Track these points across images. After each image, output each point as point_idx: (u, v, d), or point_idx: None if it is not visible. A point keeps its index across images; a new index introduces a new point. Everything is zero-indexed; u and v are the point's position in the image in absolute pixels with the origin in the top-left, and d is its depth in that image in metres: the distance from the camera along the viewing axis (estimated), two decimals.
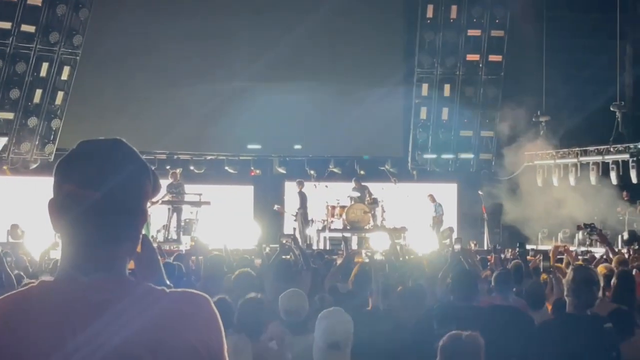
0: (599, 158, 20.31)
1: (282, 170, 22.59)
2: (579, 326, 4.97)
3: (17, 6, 18.94)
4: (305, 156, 22.41)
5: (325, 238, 19.83)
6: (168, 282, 2.12)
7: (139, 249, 2.00)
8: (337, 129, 21.28)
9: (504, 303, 6.65)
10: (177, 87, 20.91)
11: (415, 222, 20.69)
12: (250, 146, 22.25)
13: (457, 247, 10.02)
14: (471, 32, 22.24)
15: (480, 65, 22.35)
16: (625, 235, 18.86)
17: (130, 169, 1.89)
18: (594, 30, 22.63)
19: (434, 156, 22.63)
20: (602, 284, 5.79)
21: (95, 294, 1.83)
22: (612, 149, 20.11)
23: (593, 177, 20.20)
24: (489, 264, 10.40)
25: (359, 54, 22.27)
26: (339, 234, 18.47)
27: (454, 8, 22.15)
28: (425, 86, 22.52)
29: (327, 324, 4.75)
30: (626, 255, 11.41)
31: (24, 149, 19.86)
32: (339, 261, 9.73)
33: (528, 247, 14.98)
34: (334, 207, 19.94)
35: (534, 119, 22.04)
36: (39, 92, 19.70)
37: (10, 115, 19.59)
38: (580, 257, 11.35)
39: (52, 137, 20.20)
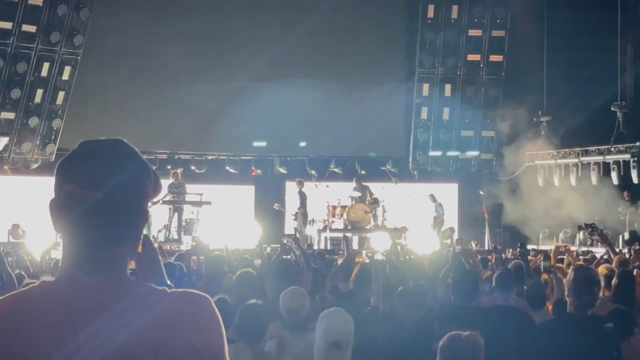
0: (599, 158, 20.31)
1: (283, 170, 22.59)
2: (579, 326, 4.97)
3: (18, 6, 18.94)
4: (306, 156, 22.41)
5: (326, 238, 19.83)
6: (169, 282, 2.12)
7: (140, 249, 2.00)
8: (338, 128, 21.27)
9: (504, 303, 6.65)
10: (178, 87, 20.91)
11: (416, 222, 20.69)
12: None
13: (458, 248, 10.03)
14: (472, 32, 22.24)
15: (481, 65, 22.35)
16: (626, 236, 18.87)
17: (132, 169, 1.90)
18: (595, 29, 22.62)
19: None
20: (602, 284, 5.79)
21: (96, 294, 1.83)
22: (613, 149, 20.10)
23: (594, 177, 20.19)
24: (489, 264, 10.40)
25: (360, 53, 22.26)
26: (339, 234, 18.49)
27: (454, 8, 22.15)
28: (426, 86, 22.52)
29: (328, 324, 4.75)
30: (627, 256, 11.41)
31: (25, 149, 19.86)
32: (339, 261, 9.72)
33: (529, 247, 14.97)
34: (334, 207, 19.94)
35: (534, 119, 22.04)
36: (40, 92, 19.71)
37: (11, 115, 19.59)
38: (581, 257, 11.34)
39: (53, 137, 20.20)
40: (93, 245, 1.86)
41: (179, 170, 19.92)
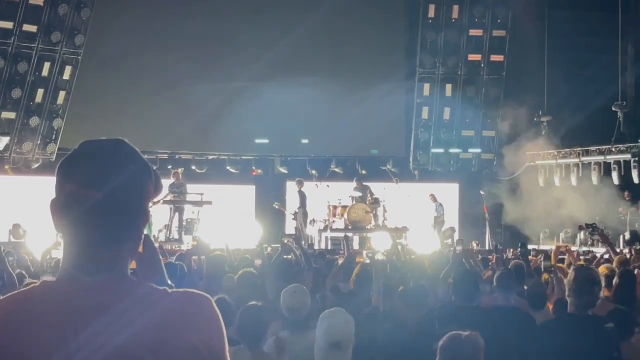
0: (600, 158, 20.30)
1: (283, 170, 22.58)
2: (580, 326, 4.97)
3: (19, 6, 18.95)
4: (307, 156, 22.42)
5: (327, 238, 19.84)
6: (170, 282, 2.12)
7: (140, 249, 2.00)
8: (339, 129, 21.27)
9: (505, 303, 6.65)
10: (179, 87, 20.91)
11: (417, 222, 20.69)
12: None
13: (459, 248, 10.03)
14: (473, 32, 22.23)
15: (482, 65, 22.35)
16: (627, 236, 18.86)
17: (133, 169, 1.90)
18: (596, 29, 22.61)
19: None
20: (603, 284, 5.79)
21: (97, 295, 1.84)
22: (614, 149, 20.10)
23: (595, 177, 20.19)
24: (490, 264, 10.39)
25: (361, 53, 22.25)
26: (340, 234, 18.48)
27: (455, 8, 22.15)
28: (427, 86, 22.52)
29: (329, 324, 4.75)
30: (628, 256, 11.40)
31: (26, 149, 19.87)
32: (340, 261, 9.73)
33: (530, 247, 14.96)
34: (335, 207, 19.94)
35: (535, 119, 22.04)
36: (41, 91, 19.72)
37: (12, 115, 19.60)
38: (582, 258, 11.34)
39: (54, 137, 20.22)
40: (94, 245, 1.86)
41: (180, 170, 19.93)
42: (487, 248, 19.76)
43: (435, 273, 8.01)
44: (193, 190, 19.42)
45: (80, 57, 19.97)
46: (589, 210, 19.06)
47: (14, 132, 19.61)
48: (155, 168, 1.98)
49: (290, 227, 20.65)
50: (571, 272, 5.29)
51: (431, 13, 22.21)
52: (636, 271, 7.89)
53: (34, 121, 19.75)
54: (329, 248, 18.64)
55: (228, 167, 22.03)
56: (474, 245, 19.11)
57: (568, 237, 20.11)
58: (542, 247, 17.49)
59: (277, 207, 20.60)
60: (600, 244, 15.76)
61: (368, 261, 9.70)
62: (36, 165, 20.13)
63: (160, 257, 2.24)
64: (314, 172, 21.44)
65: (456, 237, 19.75)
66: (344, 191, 20.39)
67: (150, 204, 1.97)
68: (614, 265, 8.28)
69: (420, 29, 22.30)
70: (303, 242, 16.26)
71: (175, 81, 20.90)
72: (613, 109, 20.61)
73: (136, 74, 20.90)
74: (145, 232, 1.99)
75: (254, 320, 5.05)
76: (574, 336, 4.92)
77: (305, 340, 5.22)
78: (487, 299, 6.84)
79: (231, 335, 4.27)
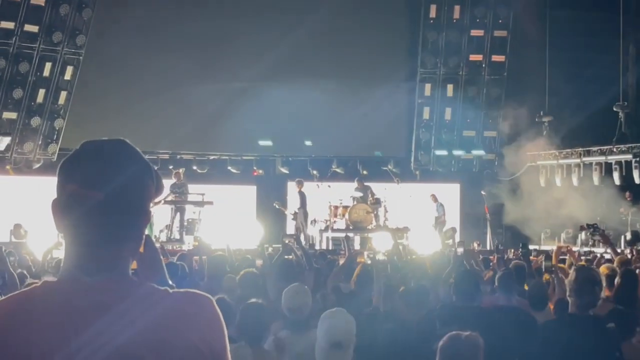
0: (601, 158, 20.29)
1: (284, 170, 22.57)
2: (581, 326, 4.97)
3: (21, 6, 18.96)
4: (308, 156, 22.42)
5: (327, 238, 19.85)
6: (170, 282, 2.12)
7: (141, 249, 2.00)
8: (340, 129, 21.27)
9: (507, 303, 6.64)
10: (180, 87, 20.91)
11: (418, 222, 20.68)
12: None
13: (460, 250, 10.03)
14: (474, 32, 22.24)
15: (483, 65, 22.35)
16: (628, 236, 18.86)
17: (134, 169, 1.90)
18: (597, 29, 22.59)
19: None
20: (604, 283, 5.79)
21: (98, 295, 1.84)
22: (615, 149, 20.09)
23: (596, 178, 20.18)
24: (491, 264, 10.40)
25: (362, 54, 22.23)
26: (341, 234, 18.48)
27: (457, 8, 22.15)
28: (428, 86, 22.52)
29: (330, 324, 4.75)
30: (629, 256, 11.40)
31: (27, 149, 19.88)
32: (341, 261, 9.73)
33: (530, 247, 14.94)
34: (336, 207, 19.95)
35: (536, 119, 22.03)
36: (42, 91, 19.72)
37: (13, 115, 19.61)
38: (582, 258, 11.34)
39: (55, 137, 20.22)
40: (95, 245, 1.87)
41: (181, 170, 19.93)
42: (488, 248, 19.76)
43: (436, 273, 8.01)
44: (194, 190, 19.42)
45: (81, 57, 19.98)
46: (589, 211, 19.05)
47: (15, 132, 19.62)
48: (156, 168, 1.99)
49: (291, 227, 20.65)
50: (572, 272, 5.29)
51: (432, 13, 22.22)
52: (637, 271, 7.89)
53: (35, 121, 19.75)
54: (330, 248, 18.64)
55: (229, 167, 22.02)
56: (475, 245, 19.10)
57: (569, 237, 20.11)
58: (543, 247, 17.50)
59: (277, 206, 20.60)
60: (601, 244, 15.76)
61: (369, 261, 9.70)
62: (37, 165, 20.13)
63: (161, 257, 2.24)
64: (315, 172, 21.43)
65: (457, 237, 19.75)
66: (345, 191, 20.39)
67: (151, 204, 1.97)
68: (615, 265, 8.27)
69: (421, 29, 22.31)
70: (304, 242, 16.28)
71: (177, 81, 20.89)
72: (614, 109, 20.60)
73: (137, 74, 20.89)
74: (146, 232, 1.99)
75: (255, 318, 5.05)
76: (575, 336, 4.92)
77: (306, 340, 5.23)
78: (488, 299, 6.84)
79: (231, 334, 4.28)
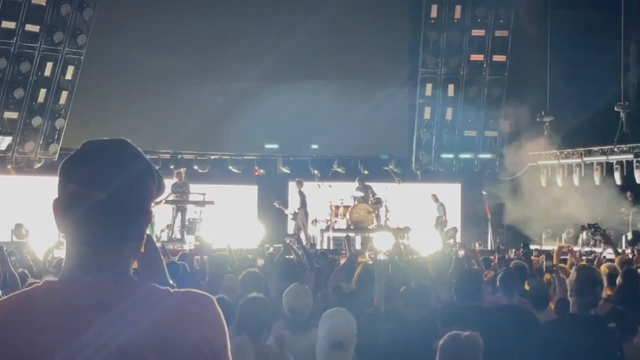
0: (602, 158, 20.29)
1: (286, 170, 22.58)
2: (582, 326, 4.97)
3: (22, 6, 18.97)
4: (310, 156, 22.43)
5: (328, 238, 19.84)
6: (171, 282, 2.12)
7: (142, 249, 2.00)
8: (341, 129, 21.28)
9: (508, 303, 6.64)
10: (181, 87, 20.92)
11: (419, 222, 20.68)
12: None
13: (462, 252, 10.03)
14: (475, 32, 22.23)
15: (484, 65, 22.35)
16: (629, 236, 18.85)
17: (135, 169, 1.90)
18: (597, 29, 22.59)
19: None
20: (605, 283, 5.79)
21: (99, 294, 1.84)
22: (616, 149, 20.08)
23: (597, 178, 20.17)
24: (492, 264, 10.39)
25: (363, 54, 22.24)
26: (342, 234, 18.47)
27: (458, 8, 22.15)
28: (429, 86, 22.52)
29: (331, 324, 4.76)
30: (630, 256, 11.39)
31: (28, 149, 19.88)
32: (342, 261, 9.73)
33: (531, 247, 14.94)
34: (337, 207, 19.95)
35: (537, 119, 22.03)
36: (43, 91, 19.73)
37: (14, 115, 19.62)
38: (584, 258, 11.33)
39: (56, 136, 20.23)
40: (96, 245, 1.87)
41: (182, 170, 19.94)
42: (489, 248, 19.76)
43: (437, 273, 8.00)
44: (195, 190, 19.42)
45: (82, 57, 19.98)
46: (590, 211, 19.05)
47: (17, 131, 19.63)
48: (157, 168, 1.99)
49: (292, 227, 20.65)
50: (573, 272, 5.29)
51: (433, 13, 22.21)
52: (639, 271, 7.89)
53: (36, 121, 19.76)
54: (331, 248, 18.63)
55: (230, 167, 22.03)
56: (476, 245, 19.09)
57: (570, 237, 20.10)
58: (544, 247, 17.51)
59: (277, 205, 20.60)
60: (602, 244, 15.75)
61: (370, 261, 9.70)
62: (38, 165, 20.14)
63: (162, 256, 2.24)
64: (316, 172, 21.43)
65: (458, 237, 19.74)
66: (346, 191, 20.39)
67: (153, 204, 1.97)
68: (616, 264, 8.27)
69: (422, 29, 22.31)
70: (305, 242, 16.27)
71: (178, 81, 20.91)
72: (615, 109, 20.59)
73: (138, 73, 20.90)
74: (148, 231, 1.99)
75: (255, 312, 5.05)
76: (576, 336, 4.92)
77: (307, 339, 5.23)
78: (489, 299, 6.84)
79: (232, 332, 4.27)
